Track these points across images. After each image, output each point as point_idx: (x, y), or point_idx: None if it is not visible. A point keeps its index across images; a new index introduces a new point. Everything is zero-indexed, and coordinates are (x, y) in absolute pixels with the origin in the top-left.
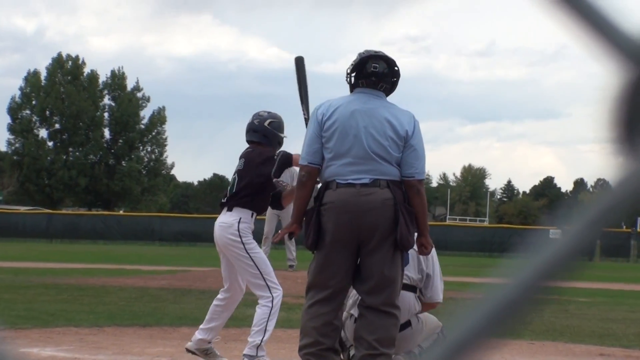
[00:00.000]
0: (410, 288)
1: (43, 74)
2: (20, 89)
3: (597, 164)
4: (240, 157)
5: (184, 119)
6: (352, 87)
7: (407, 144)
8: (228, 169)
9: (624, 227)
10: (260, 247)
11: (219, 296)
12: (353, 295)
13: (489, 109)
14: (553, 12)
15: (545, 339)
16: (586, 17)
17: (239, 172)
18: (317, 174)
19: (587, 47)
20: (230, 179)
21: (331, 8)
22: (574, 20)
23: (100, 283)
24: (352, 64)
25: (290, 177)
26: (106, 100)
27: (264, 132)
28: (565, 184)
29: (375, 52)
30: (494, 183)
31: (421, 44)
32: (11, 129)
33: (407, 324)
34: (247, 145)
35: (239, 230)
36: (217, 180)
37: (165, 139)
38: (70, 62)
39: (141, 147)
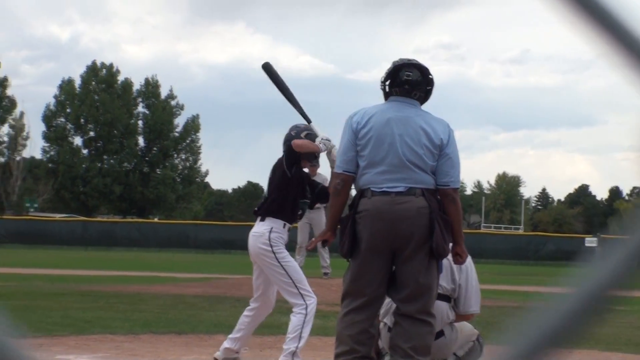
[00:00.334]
0: (444, 297)
1: (77, 82)
2: (55, 97)
3: (633, 172)
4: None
5: (218, 126)
6: (387, 96)
7: (442, 152)
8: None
9: None
10: (295, 257)
11: (248, 307)
12: (385, 305)
13: (523, 117)
14: (584, 25)
15: (581, 347)
16: (616, 27)
17: (268, 181)
18: (352, 182)
19: (620, 56)
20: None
21: (364, 16)
22: (603, 32)
23: (135, 290)
24: (386, 73)
25: (322, 182)
26: (140, 108)
27: None
28: (600, 192)
29: (409, 60)
30: (529, 191)
31: (454, 51)
32: (46, 136)
33: (441, 333)
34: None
35: (270, 240)
36: (251, 188)
37: (200, 146)
38: (104, 70)
39: (175, 155)
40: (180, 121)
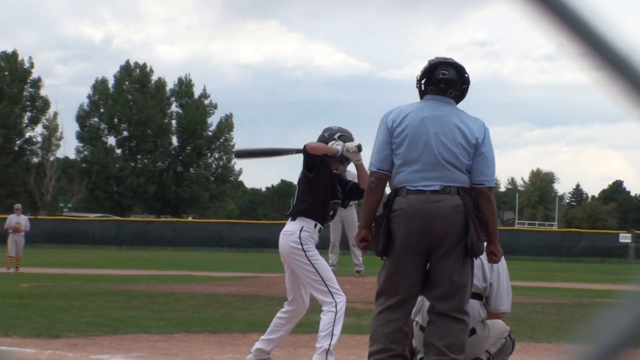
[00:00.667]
0: (475, 296)
1: (111, 82)
2: (89, 97)
3: None
4: None
5: (251, 125)
6: (422, 94)
7: (477, 151)
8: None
9: None
10: (328, 255)
11: (282, 309)
12: (417, 303)
13: (557, 113)
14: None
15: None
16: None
17: (297, 182)
18: (387, 180)
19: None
20: None
21: (397, 13)
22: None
23: (169, 290)
24: (422, 71)
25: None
26: (174, 108)
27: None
28: (634, 188)
29: (445, 58)
30: (563, 187)
31: (488, 48)
32: (80, 137)
33: (473, 331)
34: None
35: (300, 238)
36: (285, 187)
37: (233, 145)
38: (137, 70)
39: (209, 154)
40: (213, 120)
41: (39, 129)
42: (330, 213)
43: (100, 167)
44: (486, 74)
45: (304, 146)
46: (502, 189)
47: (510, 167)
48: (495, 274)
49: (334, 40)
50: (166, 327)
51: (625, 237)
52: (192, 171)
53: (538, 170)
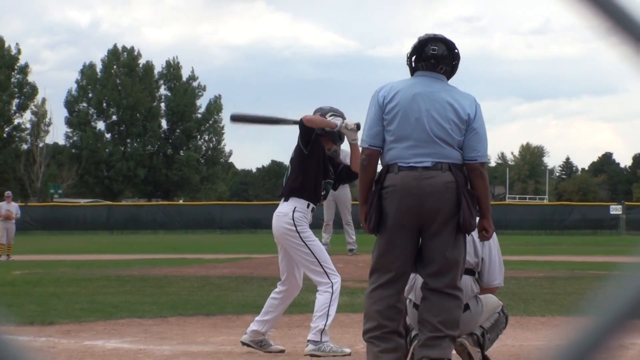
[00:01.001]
0: (468, 271)
1: (99, 66)
2: (77, 82)
3: None
4: None
5: (241, 106)
6: (413, 71)
7: (469, 127)
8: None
9: None
10: (322, 234)
11: (276, 289)
12: (410, 280)
13: (545, 87)
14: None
15: None
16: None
17: (289, 162)
18: (378, 156)
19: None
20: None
21: None
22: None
23: (162, 273)
24: (411, 48)
25: (343, 158)
26: (162, 91)
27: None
28: (624, 160)
29: (435, 35)
30: (553, 161)
31: (475, 24)
32: (69, 122)
33: (466, 306)
34: None
35: (293, 219)
36: (276, 167)
37: (222, 127)
38: (125, 54)
39: (199, 136)
40: (202, 102)
41: (27, 115)
42: (323, 193)
43: (90, 152)
44: (474, 49)
45: (301, 119)
46: (493, 163)
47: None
48: (486, 249)
49: (321, 19)
50: (160, 311)
51: (615, 209)
52: (182, 154)
53: (528, 144)
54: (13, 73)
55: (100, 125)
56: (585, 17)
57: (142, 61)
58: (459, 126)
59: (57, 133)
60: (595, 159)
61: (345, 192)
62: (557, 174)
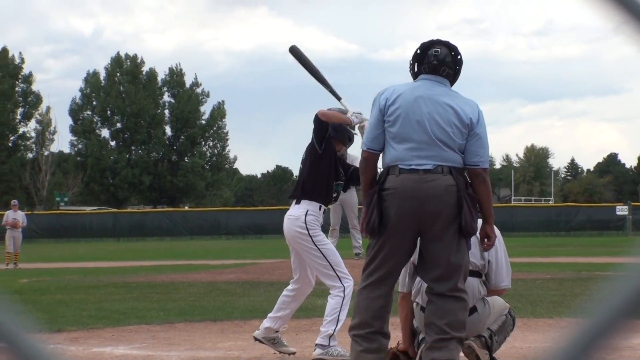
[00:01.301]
0: (474, 273)
1: (102, 74)
2: (80, 90)
3: None
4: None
5: (244, 112)
6: (415, 76)
7: (471, 132)
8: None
9: None
10: (328, 238)
11: (288, 287)
12: (416, 284)
13: (549, 88)
14: None
15: None
16: None
17: (301, 163)
18: (376, 159)
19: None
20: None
21: None
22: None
23: (169, 280)
24: (414, 53)
25: (351, 162)
26: (166, 98)
27: (333, 127)
28: (629, 160)
29: (438, 39)
30: (558, 162)
31: (478, 26)
32: (73, 130)
33: (474, 309)
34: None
35: (306, 223)
36: (280, 172)
37: (227, 133)
38: (128, 61)
39: (203, 143)
40: (206, 109)
41: (32, 124)
42: (334, 194)
43: (95, 159)
44: (477, 51)
45: (316, 114)
46: (497, 165)
47: (504, 144)
48: (493, 251)
49: (324, 24)
50: (167, 317)
51: (622, 210)
52: (186, 160)
53: (532, 145)
54: (17, 82)
55: (105, 132)
56: (599, 9)
57: (145, 68)
58: (460, 130)
59: (62, 141)
60: (600, 159)
61: (351, 196)
62: (563, 176)
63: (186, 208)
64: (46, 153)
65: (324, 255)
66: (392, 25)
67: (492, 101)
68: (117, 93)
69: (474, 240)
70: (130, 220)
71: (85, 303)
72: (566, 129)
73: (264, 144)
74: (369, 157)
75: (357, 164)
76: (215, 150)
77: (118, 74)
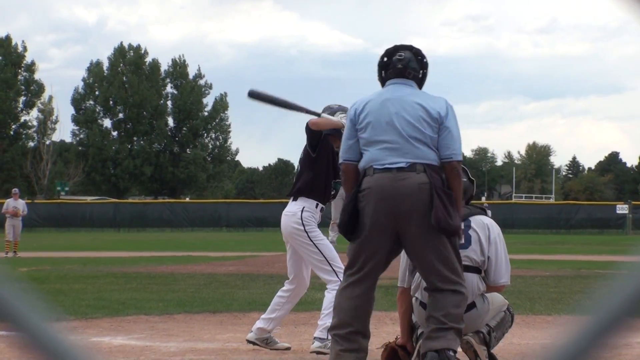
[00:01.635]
0: (474, 269)
1: (105, 64)
2: (83, 79)
3: None
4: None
5: (247, 104)
6: (383, 82)
7: (441, 126)
8: (292, 154)
9: None
10: (329, 232)
11: (283, 288)
12: (416, 279)
13: (552, 86)
14: None
15: None
16: None
17: (299, 161)
18: (355, 169)
19: None
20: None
21: None
22: None
23: (169, 271)
24: (379, 61)
25: None
26: (169, 89)
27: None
28: (630, 159)
29: (402, 45)
30: (559, 160)
31: (482, 23)
32: (75, 120)
33: (472, 305)
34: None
35: (302, 219)
36: (282, 165)
37: (229, 125)
38: (132, 52)
39: (205, 134)
40: (209, 100)
41: (34, 113)
42: (332, 192)
43: (97, 149)
44: (481, 48)
45: (306, 123)
46: (499, 162)
47: (506, 141)
48: (492, 248)
49: (328, 18)
50: (166, 308)
51: (622, 208)
52: (188, 152)
53: (534, 143)
54: (20, 71)
55: (107, 123)
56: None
57: (148, 59)
58: (430, 124)
59: (64, 130)
60: (601, 158)
61: None
62: (564, 173)
63: (187, 199)
64: (48, 142)
65: (320, 251)
66: (396, 20)
67: (495, 98)
68: (119, 83)
69: (474, 236)
70: (131, 210)
71: (84, 293)
72: (568, 127)
73: (266, 136)
74: (346, 168)
75: None
76: (217, 142)
77: (121, 64)
